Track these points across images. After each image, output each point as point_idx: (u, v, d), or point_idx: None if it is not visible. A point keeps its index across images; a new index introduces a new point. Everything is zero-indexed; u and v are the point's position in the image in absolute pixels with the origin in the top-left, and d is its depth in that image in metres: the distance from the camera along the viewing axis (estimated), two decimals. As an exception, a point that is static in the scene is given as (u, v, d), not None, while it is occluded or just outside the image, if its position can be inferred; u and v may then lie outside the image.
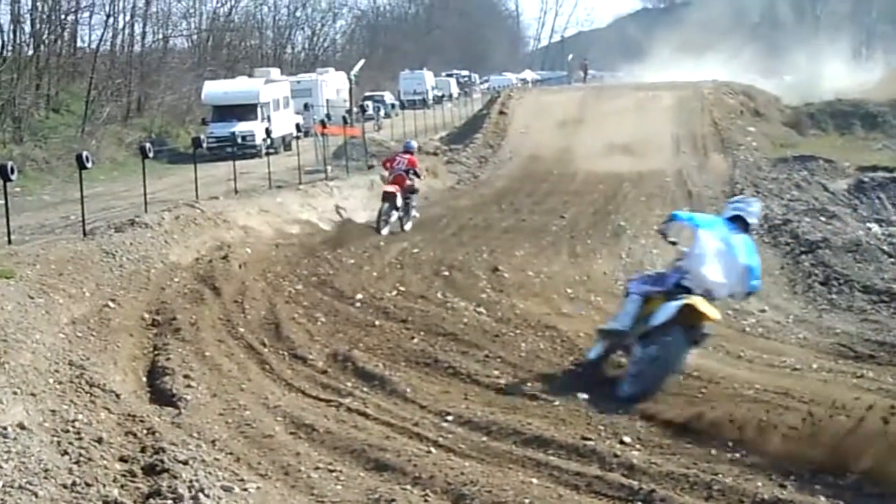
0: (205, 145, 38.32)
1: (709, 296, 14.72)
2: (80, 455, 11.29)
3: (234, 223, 28.96)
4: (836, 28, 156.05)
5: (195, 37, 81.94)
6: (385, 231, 29.68)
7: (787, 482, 11.52)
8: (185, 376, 15.56)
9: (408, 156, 31.80)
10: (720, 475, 11.63)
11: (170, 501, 10.05)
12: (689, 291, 14.62)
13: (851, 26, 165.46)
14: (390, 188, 30.02)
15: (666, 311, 14.48)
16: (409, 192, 30.66)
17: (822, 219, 30.92)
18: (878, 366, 17.12)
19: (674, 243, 16.25)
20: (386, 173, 31.98)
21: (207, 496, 10.17)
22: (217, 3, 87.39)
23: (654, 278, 15.91)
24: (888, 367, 17.04)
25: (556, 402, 14.70)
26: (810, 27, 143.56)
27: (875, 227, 33.20)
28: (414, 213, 31.26)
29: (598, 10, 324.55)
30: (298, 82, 66.36)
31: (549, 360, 16.97)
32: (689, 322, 14.56)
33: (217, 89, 56.38)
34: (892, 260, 25.13)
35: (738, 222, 15.60)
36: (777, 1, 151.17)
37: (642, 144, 46.84)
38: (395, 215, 30.19)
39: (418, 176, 32.12)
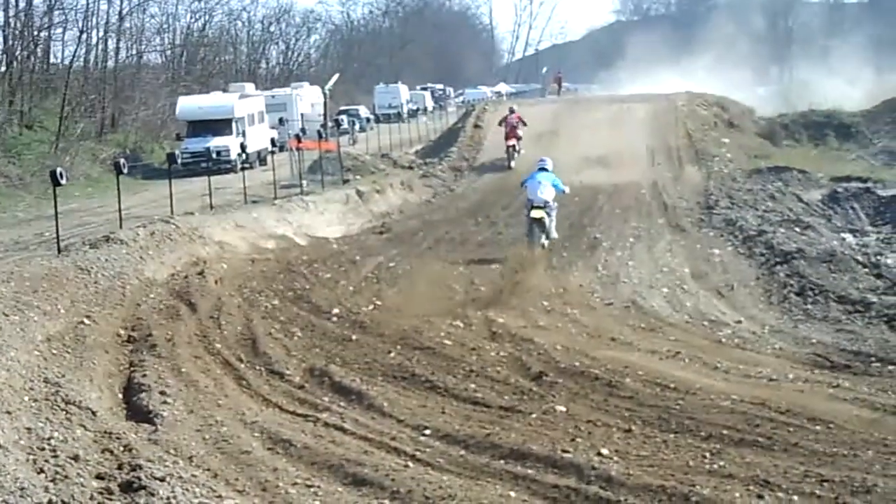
0: (179, 161, 38.21)
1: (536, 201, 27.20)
2: (57, 473, 11.25)
3: (210, 239, 28.89)
4: (808, 40, 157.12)
5: (169, 52, 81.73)
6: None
7: (765, 492, 11.56)
8: (162, 392, 15.52)
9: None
10: (698, 486, 11.66)
11: (147, 518, 10.03)
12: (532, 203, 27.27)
13: (823, 38, 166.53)
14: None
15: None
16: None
17: (797, 229, 30.99)
18: (853, 376, 17.18)
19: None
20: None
21: (185, 513, 10.15)
22: (191, 18, 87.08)
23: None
24: (864, 376, 17.11)
25: (534, 415, 14.74)
26: (783, 39, 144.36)
27: (849, 238, 33.30)
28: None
29: (572, 23, 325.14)
30: (273, 97, 66.21)
31: (527, 373, 16.99)
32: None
33: (191, 104, 56.17)
34: (866, 270, 25.19)
35: (544, 169, 28.41)
36: (750, 13, 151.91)
37: (617, 157, 46.87)
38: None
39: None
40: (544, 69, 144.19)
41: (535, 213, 27.64)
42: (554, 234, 28.45)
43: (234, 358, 18.13)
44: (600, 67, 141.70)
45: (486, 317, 21.45)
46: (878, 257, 27.89)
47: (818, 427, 14.05)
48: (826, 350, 19.04)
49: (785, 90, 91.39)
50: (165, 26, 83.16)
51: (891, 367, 17.55)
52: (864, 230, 35.66)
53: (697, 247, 29.92)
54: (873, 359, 18.17)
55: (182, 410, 14.87)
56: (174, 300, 22.29)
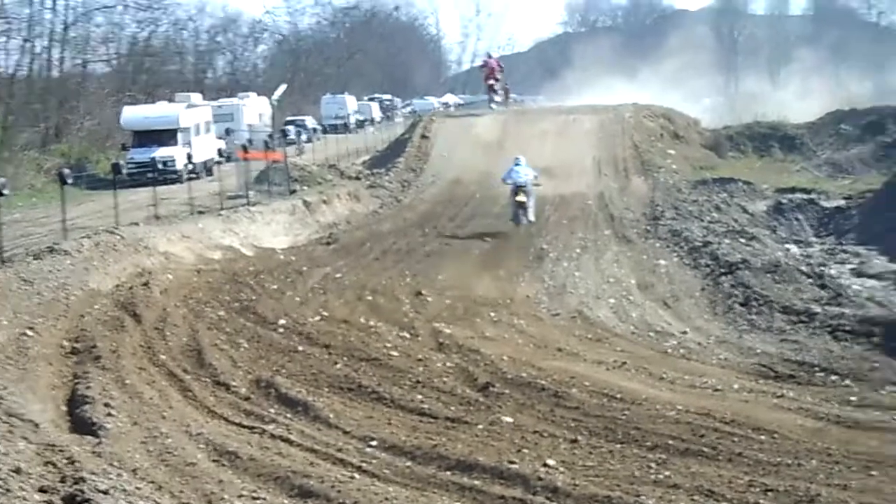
0: (125, 171, 38.01)
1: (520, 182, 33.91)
2: (-2, 486, 11.12)
3: (155, 249, 28.72)
4: (754, 52, 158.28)
5: (115, 62, 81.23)
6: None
7: (710, 502, 11.62)
8: (106, 405, 15.37)
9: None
10: (643, 496, 11.71)
11: (90, 532, 9.93)
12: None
13: (769, 49, 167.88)
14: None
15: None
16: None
17: (742, 240, 31.19)
18: (798, 385, 17.33)
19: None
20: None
21: (129, 526, 10.07)
22: (137, 28, 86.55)
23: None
24: (808, 386, 17.26)
25: (480, 426, 14.76)
26: (729, 51, 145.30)
27: (793, 248, 33.64)
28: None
29: (519, 34, 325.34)
30: (220, 107, 65.84)
31: (473, 384, 17.00)
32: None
33: (137, 114, 55.77)
34: (810, 280, 25.39)
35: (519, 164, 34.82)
36: (696, 25, 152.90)
37: (564, 167, 46.97)
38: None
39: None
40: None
41: (520, 197, 34.24)
42: (532, 217, 34.59)
43: (179, 369, 18.01)
44: (548, 79, 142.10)
45: (433, 327, 21.48)
46: (822, 268, 28.18)
47: (763, 437, 14.15)
48: (770, 360, 19.18)
49: (730, 101, 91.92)
50: (111, 36, 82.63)
51: (834, 377, 17.73)
52: (809, 241, 36.03)
53: (643, 258, 30.07)
54: (817, 369, 18.35)
55: (126, 422, 14.73)
56: (119, 311, 22.10)
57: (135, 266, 26.71)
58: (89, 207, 37.04)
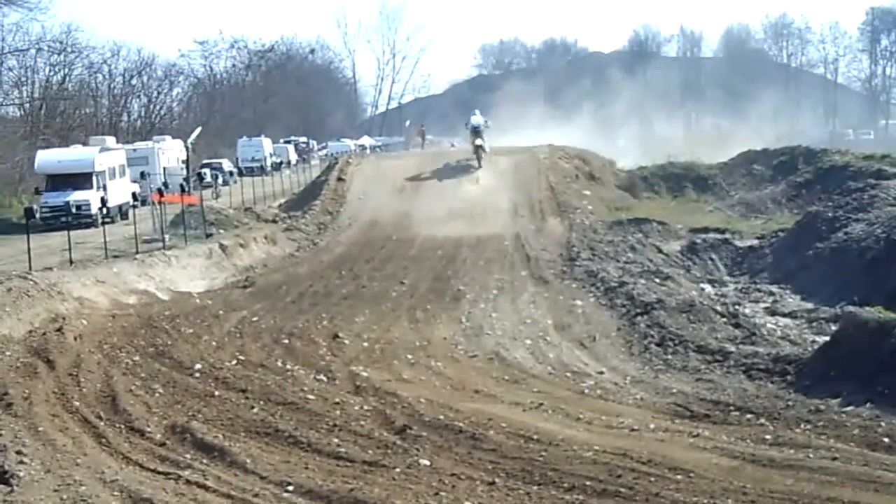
0: (38, 215, 37.60)
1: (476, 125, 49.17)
2: None
3: (69, 294, 28.43)
4: (667, 93, 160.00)
5: (27, 105, 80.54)
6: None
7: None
8: (18, 452, 15.18)
9: None
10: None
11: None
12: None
13: (681, 91, 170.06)
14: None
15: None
16: None
17: (657, 280, 31.42)
18: (713, 424, 17.43)
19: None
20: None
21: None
22: (50, 71, 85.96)
23: None
24: (723, 425, 17.36)
25: (397, 469, 14.73)
26: (642, 92, 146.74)
27: (708, 288, 33.91)
28: None
29: (435, 76, 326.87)
30: (135, 150, 65.37)
31: (390, 427, 16.97)
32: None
33: (51, 158, 55.20)
34: (724, 320, 25.61)
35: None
36: (608, 67, 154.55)
37: (480, 209, 47.23)
38: None
39: None
40: (407, 122, 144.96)
41: (478, 141, 53.06)
42: (486, 150, 53.47)
43: (93, 415, 17.83)
44: (463, 120, 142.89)
45: (350, 370, 21.43)
46: (737, 307, 28.37)
47: (679, 476, 14.23)
48: (686, 400, 19.29)
49: (645, 142, 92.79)
50: (24, 79, 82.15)
51: (749, 416, 17.85)
52: (723, 280, 36.33)
53: (560, 298, 30.18)
54: (732, 408, 18.46)
55: (39, 470, 14.56)
56: (31, 357, 21.85)
57: (48, 311, 26.41)
58: (1, 252, 36.64)
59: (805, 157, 58.69)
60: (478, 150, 49.66)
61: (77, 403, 18.63)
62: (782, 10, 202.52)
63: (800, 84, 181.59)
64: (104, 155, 54.57)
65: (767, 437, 16.42)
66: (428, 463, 14.98)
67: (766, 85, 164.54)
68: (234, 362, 22.34)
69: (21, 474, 14.23)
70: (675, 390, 20.21)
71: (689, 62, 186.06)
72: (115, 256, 35.67)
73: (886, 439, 15.67)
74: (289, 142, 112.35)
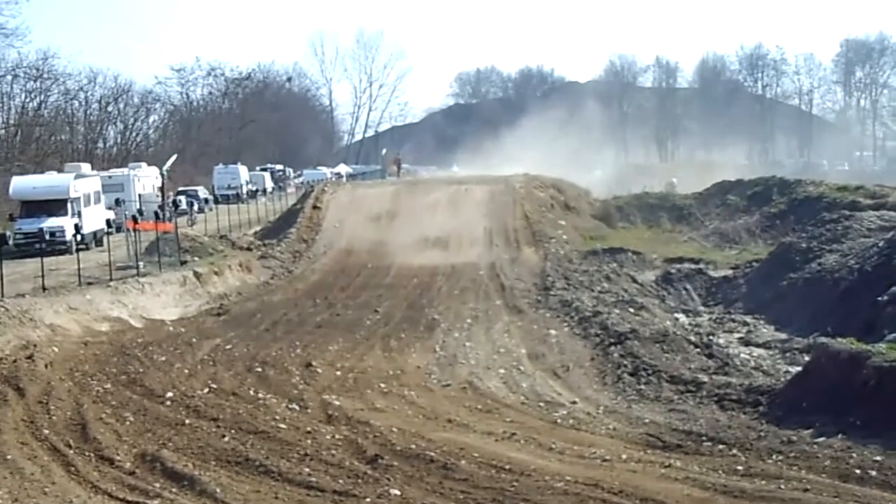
0: (12, 241, 37.44)
1: None
2: None
3: (41, 321, 28.35)
4: (643, 123, 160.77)
5: (3, 131, 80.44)
6: None
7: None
8: (-14, 481, 15.09)
9: None
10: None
11: None
12: None
13: (657, 121, 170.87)
14: None
15: None
16: None
17: (631, 310, 31.48)
18: (685, 455, 17.40)
19: None
20: None
21: None
22: (26, 98, 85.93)
23: None
24: (695, 456, 17.34)
25: (368, 499, 14.68)
26: (618, 122, 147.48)
27: (682, 318, 34.00)
28: None
29: (411, 104, 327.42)
30: (110, 177, 65.19)
31: (362, 456, 16.90)
32: None
33: (25, 184, 55.02)
34: (698, 350, 25.64)
35: None
36: (585, 97, 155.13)
37: (456, 238, 47.34)
38: None
39: None
40: (384, 151, 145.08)
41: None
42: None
43: (62, 444, 17.73)
44: (439, 149, 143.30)
45: (322, 399, 21.35)
46: (710, 337, 28.47)
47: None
48: (659, 430, 19.27)
49: (620, 172, 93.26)
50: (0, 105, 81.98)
51: (721, 447, 17.83)
52: (697, 310, 36.43)
53: (534, 328, 30.19)
54: (704, 438, 18.44)
55: (7, 499, 14.48)
56: (1, 385, 21.72)
57: (19, 339, 26.34)
58: (-26, 279, 36.48)
59: (779, 187, 59.06)
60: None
61: (46, 431, 18.53)
62: (757, 41, 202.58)
63: (775, 115, 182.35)
64: (79, 181, 54.40)
65: (739, 467, 16.40)
66: (399, 493, 14.92)
67: (741, 116, 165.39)
68: (206, 390, 22.26)
69: (-12, 503, 14.15)
70: (647, 420, 20.18)
71: (664, 92, 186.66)
72: (89, 283, 35.54)
73: (858, 471, 15.65)
74: (265, 169, 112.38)
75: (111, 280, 36.38)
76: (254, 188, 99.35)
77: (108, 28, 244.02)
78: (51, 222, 50.01)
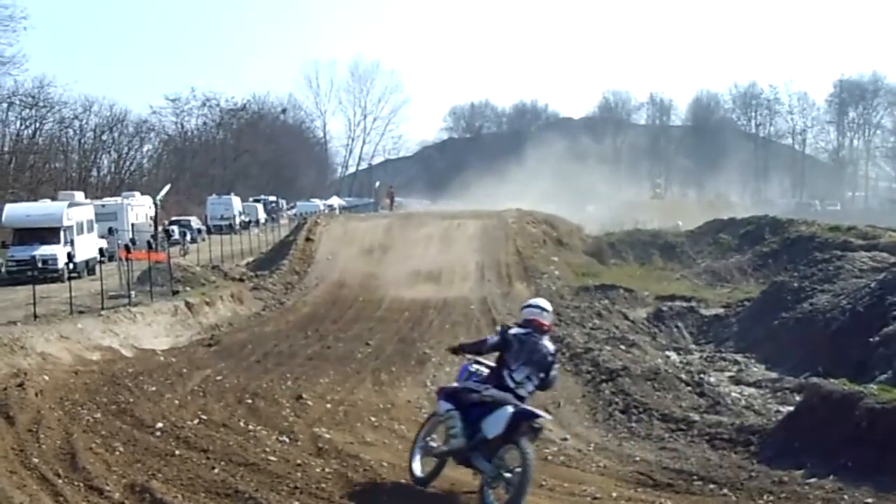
0: (4, 269, 37.39)
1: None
2: None
3: (32, 349, 28.29)
4: (636, 160, 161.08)
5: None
6: None
7: None
8: (-26, 510, 15.04)
9: None
10: None
11: None
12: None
13: (650, 158, 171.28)
14: None
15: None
16: None
17: (623, 347, 31.47)
18: (675, 494, 17.37)
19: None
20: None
21: None
22: (21, 125, 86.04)
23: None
24: (686, 494, 17.30)
25: (358, 533, 14.62)
26: (611, 158, 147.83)
27: (673, 356, 33.98)
28: None
29: (405, 138, 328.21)
30: (103, 206, 65.38)
31: (351, 491, 16.85)
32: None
33: (19, 212, 55.08)
34: (689, 388, 25.62)
35: None
36: (579, 133, 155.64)
37: (448, 272, 47.38)
38: None
39: None
40: (377, 183, 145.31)
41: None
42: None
43: (51, 473, 17.64)
44: (433, 183, 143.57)
45: (312, 432, 21.27)
46: (701, 376, 28.41)
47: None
48: (649, 468, 19.23)
49: (613, 209, 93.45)
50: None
51: (712, 486, 17.80)
52: (688, 348, 36.45)
53: (525, 364, 30.10)
54: (695, 477, 18.40)
55: (-5, 528, 14.42)
56: (-9, 413, 21.69)
57: (10, 367, 26.29)
58: (-34, 306, 36.46)
59: (772, 226, 59.21)
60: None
61: (36, 460, 18.45)
62: (751, 80, 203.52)
63: (768, 154, 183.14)
64: (73, 210, 54.46)
65: (730, 507, 16.39)
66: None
67: (734, 154, 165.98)
68: (196, 421, 22.17)
69: (-24, 532, 14.09)
70: (638, 458, 20.15)
71: (658, 130, 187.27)
72: (81, 312, 35.53)
73: (848, 512, 15.66)
74: (258, 200, 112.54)
75: (103, 309, 36.37)
76: (247, 219, 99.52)
77: (104, 57, 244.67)
78: (43, 250, 50.06)
